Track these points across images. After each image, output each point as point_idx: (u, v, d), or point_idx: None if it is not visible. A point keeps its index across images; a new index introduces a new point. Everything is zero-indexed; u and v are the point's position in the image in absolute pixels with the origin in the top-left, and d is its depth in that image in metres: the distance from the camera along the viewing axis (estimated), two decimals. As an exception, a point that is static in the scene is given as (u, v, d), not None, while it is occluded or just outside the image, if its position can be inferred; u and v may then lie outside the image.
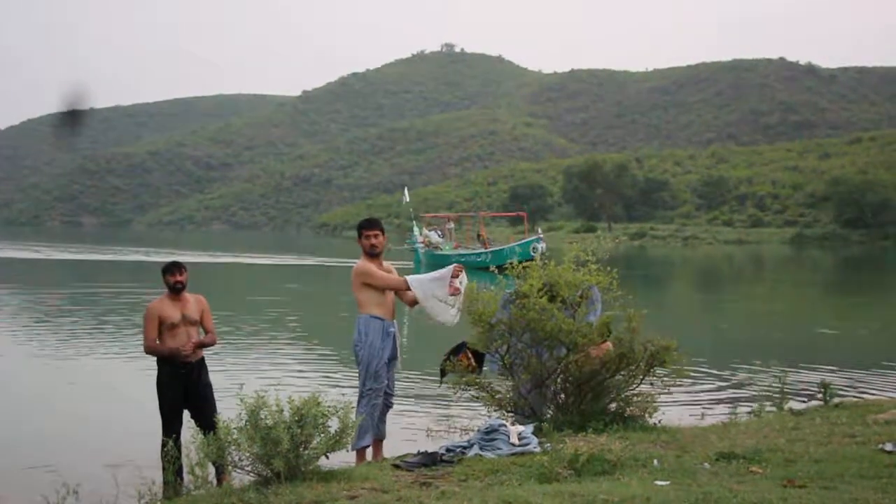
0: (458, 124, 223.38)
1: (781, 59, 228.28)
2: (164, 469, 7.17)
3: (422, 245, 50.72)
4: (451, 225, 56.77)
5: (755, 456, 6.71)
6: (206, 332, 8.13)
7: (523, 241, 46.71)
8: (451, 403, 11.05)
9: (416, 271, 40.53)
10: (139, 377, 13.73)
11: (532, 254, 43.35)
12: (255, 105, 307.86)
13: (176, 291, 7.92)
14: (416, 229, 54.64)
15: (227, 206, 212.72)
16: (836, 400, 9.97)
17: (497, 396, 8.94)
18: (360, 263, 8.04)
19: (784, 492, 5.68)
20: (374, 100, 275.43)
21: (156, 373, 7.99)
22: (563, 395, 8.82)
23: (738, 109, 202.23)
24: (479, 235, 52.43)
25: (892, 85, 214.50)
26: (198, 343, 7.91)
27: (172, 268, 7.95)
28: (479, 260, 43.06)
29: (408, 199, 59.59)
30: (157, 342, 7.85)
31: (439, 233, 53.29)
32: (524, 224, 64.83)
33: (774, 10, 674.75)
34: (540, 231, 47.50)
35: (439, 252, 48.40)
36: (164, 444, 7.25)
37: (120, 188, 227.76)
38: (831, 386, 10.48)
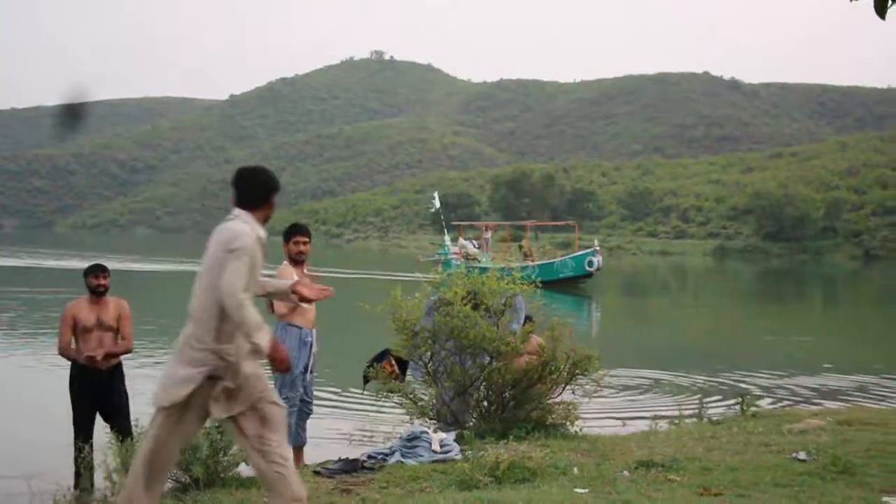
0: (387, 132, 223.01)
1: (706, 73, 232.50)
2: (77, 475, 7.02)
3: (456, 257, 43.93)
4: (489, 234, 50.66)
5: (673, 464, 6.81)
6: (123, 338, 7.73)
7: (576, 254, 42.64)
8: (374, 410, 11.01)
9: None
10: (55, 382, 13.47)
11: (587, 269, 40.30)
12: (182, 108, 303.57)
13: (97, 295, 7.61)
14: (447, 239, 49.43)
15: (151, 209, 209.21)
16: (753, 409, 10.16)
17: (420, 404, 8.94)
18: (281, 269, 7.78)
19: (700, 500, 5.78)
20: (303, 105, 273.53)
21: (68, 376, 7.68)
22: (485, 403, 8.85)
23: (664, 122, 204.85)
24: (520, 247, 46.55)
25: (813, 101, 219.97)
26: (108, 351, 7.52)
27: (95, 270, 7.63)
28: (523, 275, 35.95)
29: (438, 206, 51.14)
30: (73, 345, 7.55)
31: (475, 243, 46.91)
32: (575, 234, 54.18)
33: (700, 25, 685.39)
34: (597, 243, 43.06)
35: (477, 265, 39.40)
36: (78, 450, 7.09)
37: (42, 190, 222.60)
38: (749, 395, 10.69)
